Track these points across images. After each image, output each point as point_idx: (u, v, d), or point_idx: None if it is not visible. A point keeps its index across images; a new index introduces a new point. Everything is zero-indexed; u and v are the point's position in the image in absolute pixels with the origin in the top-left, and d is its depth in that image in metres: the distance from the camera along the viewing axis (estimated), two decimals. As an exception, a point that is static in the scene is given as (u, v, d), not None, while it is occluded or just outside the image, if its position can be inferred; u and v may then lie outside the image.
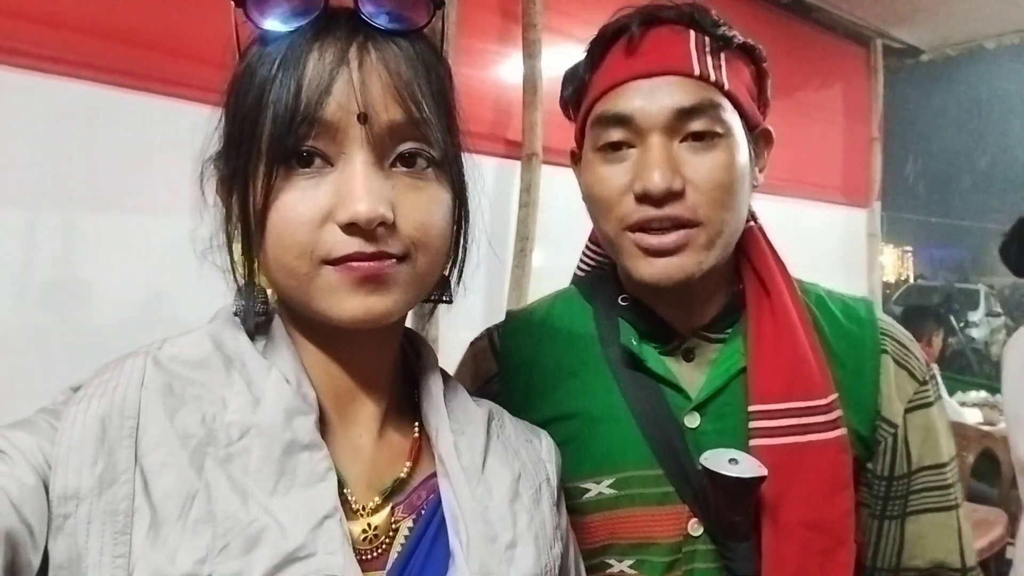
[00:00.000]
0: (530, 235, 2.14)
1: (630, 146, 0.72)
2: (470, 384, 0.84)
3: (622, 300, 0.80)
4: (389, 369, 0.59)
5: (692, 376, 0.77)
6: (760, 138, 0.78)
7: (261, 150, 0.49)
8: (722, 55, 0.72)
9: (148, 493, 0.46)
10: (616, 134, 0.72)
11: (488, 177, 2.21)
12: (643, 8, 0.75)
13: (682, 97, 0.70)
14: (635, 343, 0.76)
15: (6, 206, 1.44)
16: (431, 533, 0.55)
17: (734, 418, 0.74)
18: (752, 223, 0.80)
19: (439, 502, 0.56)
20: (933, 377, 0.79)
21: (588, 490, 0.75)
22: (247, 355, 0.53)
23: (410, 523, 0.56)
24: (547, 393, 0.79)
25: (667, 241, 0.70)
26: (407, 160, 0.51)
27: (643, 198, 0.70)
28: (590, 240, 0.89)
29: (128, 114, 1.50)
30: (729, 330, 0.78)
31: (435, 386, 0.60)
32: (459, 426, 0.59)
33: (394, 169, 0.51)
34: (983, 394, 3.78)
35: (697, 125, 0.70)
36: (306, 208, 0.49)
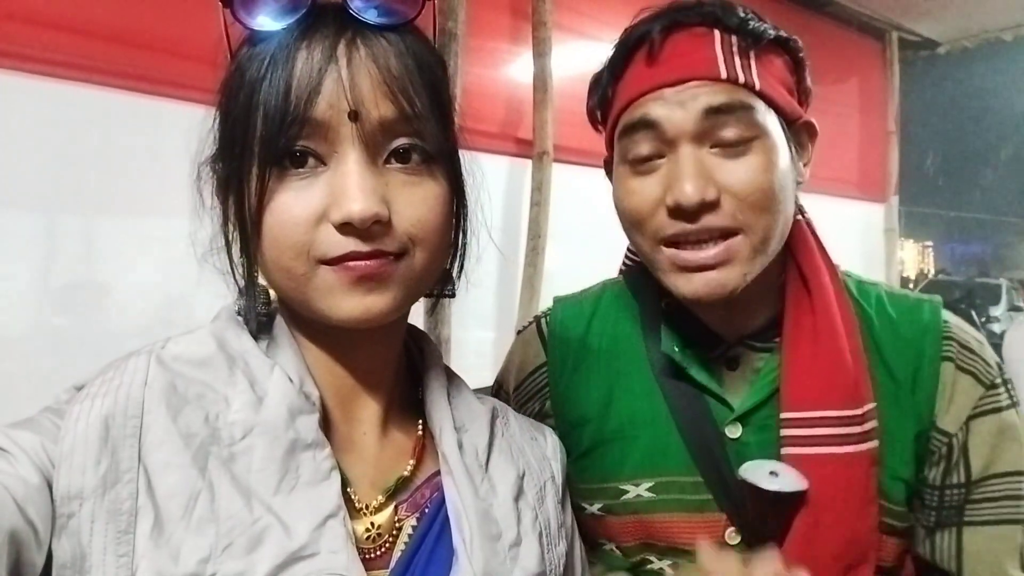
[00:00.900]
0: (542, 233, 2.14)
1: (660, 157, 0.68)
2: (517, 372, 0.83)
3: (665, 305, 0.77)
4: (392, 367, 0.59)
5: (735, 385, 0.74)
6: (803, 130, 0.73)
7: (254, 151, 0.49)
8: (752, 53, 0.68)
9: (152, 492, 0.46)
10: (645, 146, 0.68)
11: (499, 176, 2.23)
12: (663, 11, 0.71)
13: (710, 97, 0.66)
14: (676, 351, 0.74)
15: (26, 210, 1.46)
16: (435, 531, 0.55)
17: (775, 430, 0.71)
18: (800, 217, 0.76)
19: (443, 500, 0.56)
20: (1008, 382, 0.72)
21: (626, 491, 0.74)
22: (250, 354, 0.53)
23: (414, 522, 0.55)
24: (591, 390, 0.78)
25: (706, 256, 0.66)
26: (401, 156, 0.50)
27: (676, 212, 0.66)
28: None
29: (145, 119, 1.52)
30: (776, 340, 0.74)
31: (438, 384, 0.60)
32: (463, 424, 0.59)
33: (388, 165, 0.50)
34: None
35: (729, 131, 0.66)
36: (300, 209, 0.49)
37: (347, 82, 0.48)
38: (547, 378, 0.81)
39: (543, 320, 0.85)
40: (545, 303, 0.90)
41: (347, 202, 0.48)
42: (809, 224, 0.77)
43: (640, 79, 0.70)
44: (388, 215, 0.49)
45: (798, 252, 0.75)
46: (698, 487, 0.72)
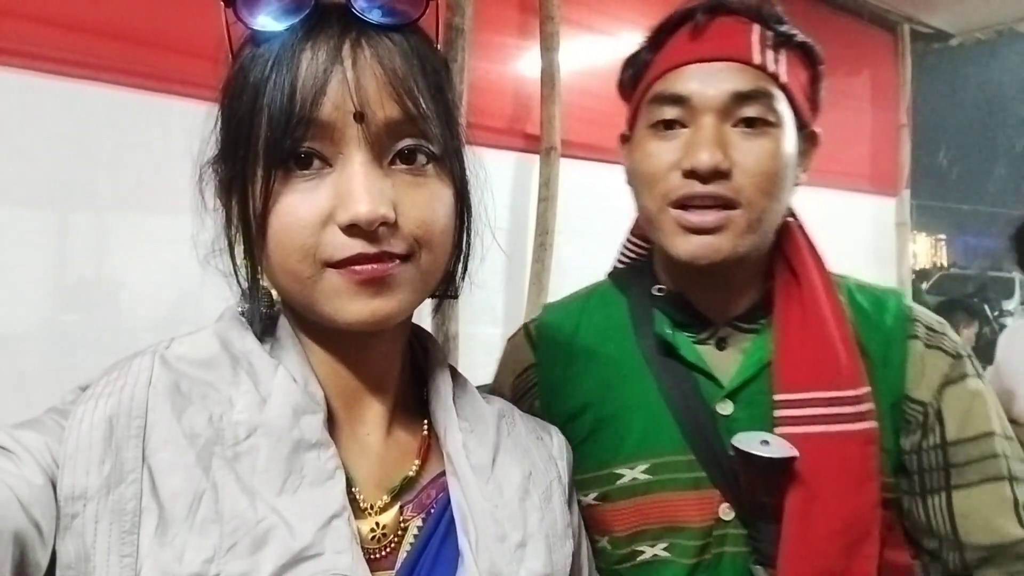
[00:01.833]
0: (549, 229, 2.13)
1: (683, 125, 0.74)
2: (509, 376, 0.86)
3: (657, 290, 0.82)
4: (397, 367, 0.59)
5: (725, 364, 0.78)
6: (808, 138, 0.79)
7: (258, 153, 0.49)
8: (782, 51, 0.74)
9: (156, 493, 0.46)
10: (671, 112, 0.74)
11: (506, 171, 2.22)
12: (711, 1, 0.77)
13: (740, 82, 0.72)
14: (669, 331, 0.78)
15: (37, 208, 1.48)
16: (440, 532, 0.55)
17: (765, 406, 0.74)
18: (791, 219, 0.81)
19: (448, 501, 0.56)
20: (970, 357, 0.77)
21: (622, 475, 0.76)
22: (254, 354, 0.53)
23: (419, 522, 0.55)
24: (582, 381, 0.81)
25: (707, 220, 0.71)
26: (406, 157, 0.50)
27: (690, 174, 0.71)
28: (631, 233, 0.90)
29: (157, 117, 1.52)
30: (763, 321, 0.79)
31: (444, 384, 0.60)
32: (468, 424, 0.59)
33: (393, 167, 0.50)
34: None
35: (750, 111, 0.72)
36: (306, 211, 0.48)
37: (352, 83, 0.48)
38: (536, 378, 0.84)
39: (531, 325, 0.88)
40: (553, 299, 0.93)
41: (353, 204, 0.47)
42: (801, 226, 0.82)
43: (679, 51, 0.75)
44: (395, 217, 0.48)
45: (787, 248, 0.79)
46: (692, 465, 0.74)
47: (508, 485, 0.57)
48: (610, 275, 0.90)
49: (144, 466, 0.47)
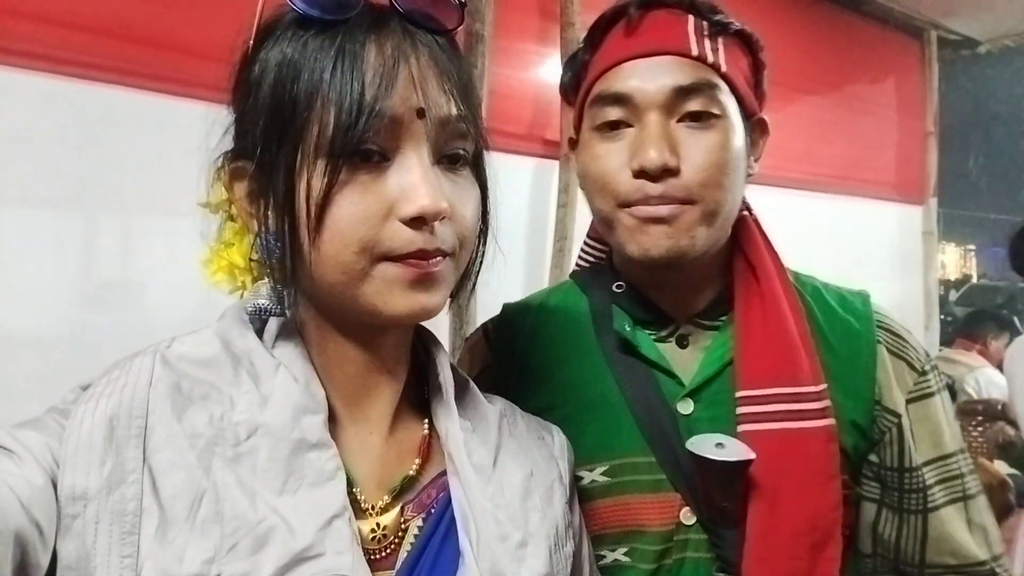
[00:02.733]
0: (568, 234, 2.13)
1: (628, 125, 0.73)
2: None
3: (616, 287, 0.80)
4: (401, 367, 0.59)
5: (686, 363, 0.76)
6: (756, 127, 0.78)
7: (319, 144, 0.48)
8: (720, 40, 0.73)
9: (156, 493, 0.46)
10: (614, 113, 0.73)
11: (527, 177, 2.22)
12: None
13: (680, 76, 0.71)
14: (628, 329, 0.77)
15: (63, 209, 1.50)
16: (441, 532, 0.55)
17: (728, 405, 0.73)
18: (747, 213, 0.81)
19: (449, 501, 0.56)
20: (935, 368, 0.78)
21: (581, 478, 0.74)
22: (255, 354, 0.53)
23: (420, 522, 0.55)
24: (541, 381, 0.79)
25: (661, 211, 0.70)
26: (450, 157, 0.52)
27: (640, 174, 0.70)
28: (588, 235, 0.89)
29: (183, 119, 1.54)
30: (723, 318, 0.78)
31: (446, 383, 0.59)
32: (470, 424, 0.59)
33: (439, 166, 0.51)
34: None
35: (694, 104, 0.71)
36: (368, 203, 0.48)
37: (418, 79, 0.49)
38: (493, 378, 0.82)
39: (490, 324, 0.87)
40: (504, 303, 0.91)
41: (419, 197, 0.48)
42: (756, 220, 0.81)
43: (616, 49, 0.74)
44: (450, 212, 0.50)
45: (744, 242, 0.79)
46: (652, 467, 0.73)
47: (509, 485, 0.57)
48: (572, 275, 0.90)
49: (145, 466, 0.47)
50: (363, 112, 0.47)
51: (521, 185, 2.19)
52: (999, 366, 3.08)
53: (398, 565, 0.53)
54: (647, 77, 0.71)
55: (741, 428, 0.71)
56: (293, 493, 0.48)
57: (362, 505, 0.53)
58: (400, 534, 0.54)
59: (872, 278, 0.72)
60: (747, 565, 0.68)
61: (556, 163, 2.18)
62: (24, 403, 1.31)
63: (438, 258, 0.50)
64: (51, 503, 0.45)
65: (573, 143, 0.81)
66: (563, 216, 2.14)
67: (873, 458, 0.76)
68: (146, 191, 1.56)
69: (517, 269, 2.12)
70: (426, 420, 0.59)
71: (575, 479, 0.67)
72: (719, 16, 0.74)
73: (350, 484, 0.52)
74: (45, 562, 0.45)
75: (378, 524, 0.53)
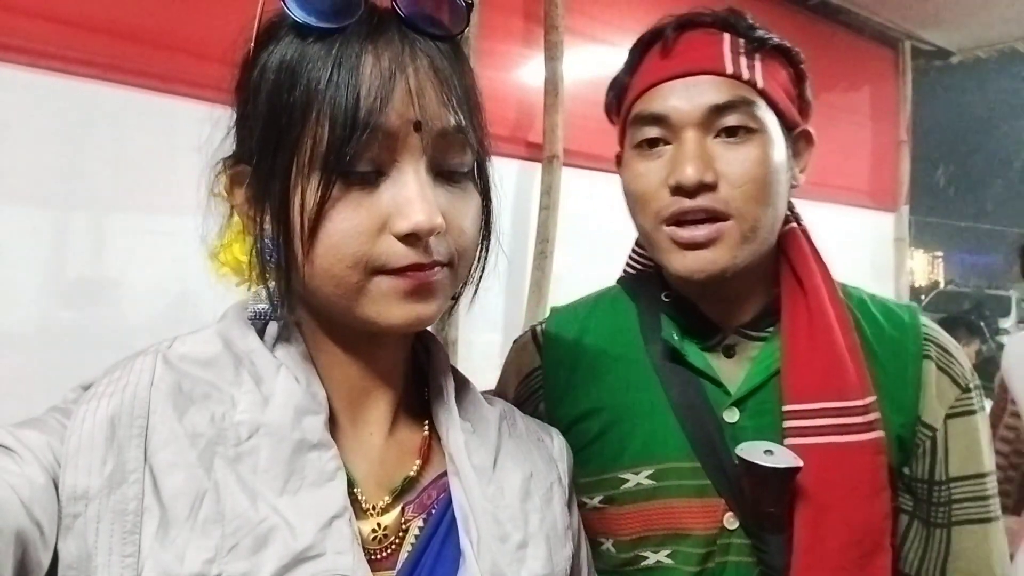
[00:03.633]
0: (550, 237, 2.13)
1: (666, 143, 0.74)
2: (514, 378, 0.86)
3: (665, 296, 0.82)
4: (401, 368, 0.59)
5: (732, 372, 0.77)
6: (800, 138, 0.79)
7: (313, 155, 0.47)
8: (757, 56, 0.74)
9: (157, 493, 0.46)
10: (652, 131, 0.75)
11: (509, 179, 2.22)
12: (680, 15, 0.77)
13: (715, 95, 0.72)
14: (676, 337, 0.78)
15: (36, 206, 1.47)
16: (441, 533, 0.55)
17: (773, 415, 0.74)
18: (795, 224, 0.81)
19: (450, 501, 0.56)
20: (978, 388, 0.78)
21: (626, 480, 0.76)
22: (256, 354, 0.53)
23: (420, 523, 0.55)
24: (588, 385, 0.81)
25: (699, 234, 0.72)
26: (450, 169, 0.51)
27: (677, 190, 0.72)
28: (636, 243, 0.90)
29: (156, 116, 1.53)
30: (770, 329, 0.79)
31: (446, 385, 0.60)
32: (470, 425, 0.59)
33: (436, 178, 0.50)
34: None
35: (730, 120, 0.72)
36: (362, 219, 0.48)
37: (415, 92, 0.48)
38: (541, 380, 0.83)
39: (538, 327, 0.88)
40: (552, 306, 0.92)
41: (413, 213, 0.47)
42: (805, 231, 0.82)
43: (653, 71, 0.76)
44: (445, 227, 0.49)
45: (792, 254, 0.79)
46: (697, 472, 0.74)
47: (509, 486, 0.57)
48: (619, 281, 0.90)
49: (146, 466, 0.47)
50: (357, 128, 0.46)
51: (503, 187, 2.19)
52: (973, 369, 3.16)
53: (399, 565, 0.53)
54: (683, 97, 0.73)
55: (788, 441, 0.72)
56: (294, 493, 0.48)
57: (363, 505, 0.54)
58: (401, 534, 0.54)
59: (844, 283, 0.75)
60: (795, 573, 0.69)
61: (539, 165, 2.19)
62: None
63: (436, 268, 0.50)
64: (52, 502, 0.45)
65: (619, 159, 0.83)
66: (545, 219, 2.14)
67: (906, 470, 0.77)
68: (123, 187, 1.54)
69: (498, 271, 2.13)
70: (426, 421, 0.59)
71: (579, 482, 0.68)
72: (757, 32, 0.75)
73: (351, 484, 0.52)
74: (46, 561, 0.44)
75: (379, 524, 0.53)
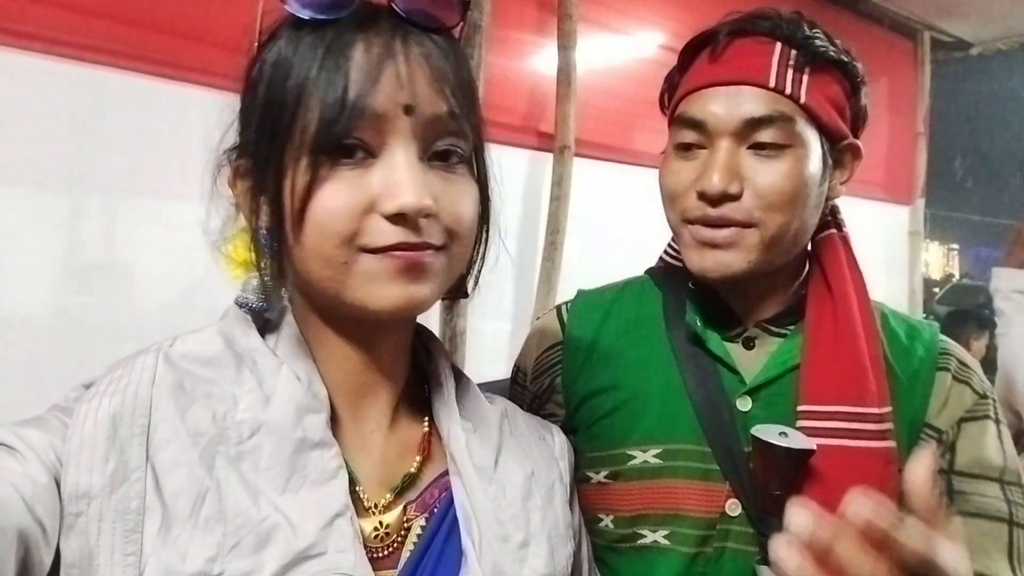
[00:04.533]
0: (560, 228, 2.13)
1: (701, 147, 0.76)
2: (535, 350, 0.87)
3: (692, 284, 0.83)
4: (401, 365, 0.59)
5: (750, 363, 0.79)
6: (846, 151, 0.79)
7: (303, 140, 0.49)
8: (807, 68, 0.74)
9: (159, 491, 0.47)
10: (690, 136, 0.76)
11: (520, 169, 2.22)
12: (738, 17, 0.77)
13: (754, 107, 0.73)
14: (699, 324, 0.79)
15: (50, 191, 1.48)
16: (443, 532, 0.55)
17: (785, 407, 0.75)
18: (834, 231, 0.82)
19: (451, 501, 0.56)
20: (996, 401, 0.78)
21: (633, 457, 0.77)
22: (258, 352, 0.53)
23: (422, 521, 0.55)
24: (607, 363, 0.82)
25: (719, 236, 0.73)
26: (442, 155, 0.51)
27: (702, 196, 0.73)
28: (671, 239, 0.91)
29: (171, 103, 1.53)
30: (791, 327, 0.80)
31: (447, 383, 0.60)
32: (471, 424, 0.59)
33: (430, 163, 0.51)
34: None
35: (766, 135, 0.73)
36: (350, 197, 0.48)
37: (405, 77, 0.48)
38: (561, 355, 0.85)
39: (564, 306, 0.90)
40: (562, 298, 0.95)
41: (401, 194, 0.48)
42: (845, 239, 0.82)
43: (699, 75, 0.77)
44: (436, 209, 0.49)
45: (826, 261, 0.80)
46: (705, 456, 0.75)
47: (511, 485, 0.57)
48: (648, 271, 0.92)
49: (148, 464, 0.47)
50: (345, 108, 0.47)
51: (514, 177, 2.18)
52: (982, 363, 3.12)
53: (401, 565, 0.53)
54: (723, 105, 0.73)
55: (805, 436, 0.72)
56: (295, 492, 0.49)
57: (364, 504, 0.54)
58: (403, 533, 0.54)
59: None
60: None
61: (550, 156, 2.18)
62: (10, 385, 1.30)
63: (427, 250, 0.50)
64: (54, 501, 0.45)
65: (664, 153, 0.84)
66: (556, 209, 2.14)
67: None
68: (135, 174, 1.54)
69: (508, 261, 2.13)
70: (426, 418, 0.60)
71: (575, 453, 0.68)
72: (814, 43, 0.74)
73: (352, 483, 0.52)
74: (48, 560, 0.45)
75: (381, 523, 0.53)
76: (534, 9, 2.21)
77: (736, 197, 0.72)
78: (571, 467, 0.66)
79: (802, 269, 0.81)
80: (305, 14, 0.49)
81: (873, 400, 0.73)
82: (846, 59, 0.77)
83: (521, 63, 2.21)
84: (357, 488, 0.53)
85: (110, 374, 0.51)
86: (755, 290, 0.80)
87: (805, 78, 0.74)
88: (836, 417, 0.72)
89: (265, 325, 0.56)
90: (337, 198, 0.48)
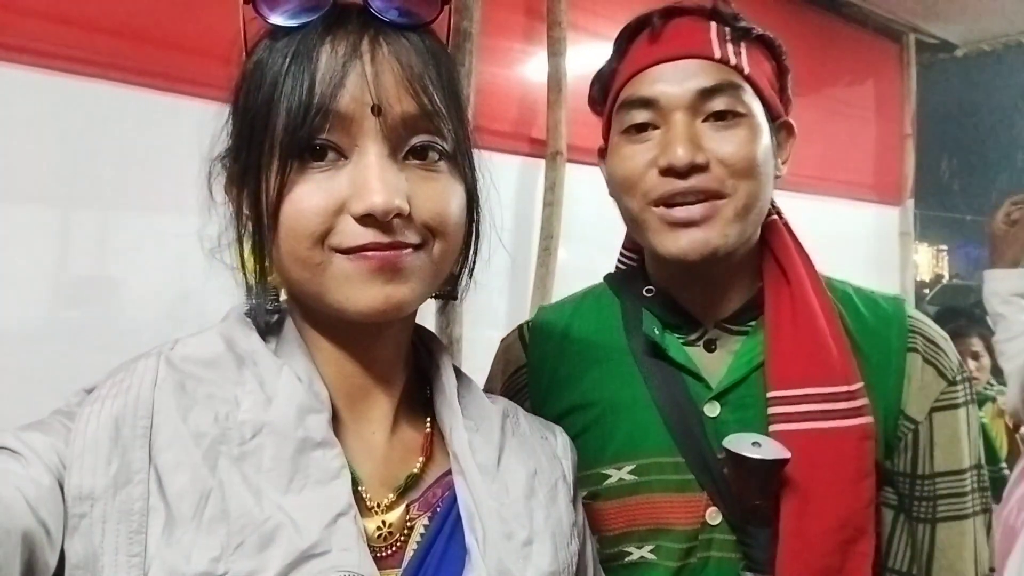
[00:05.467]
0: (554, 234, 2.13)
1: (655, 127, 0.74)
2: (500, 376, 0.86)
3: (647, 291, 0.82)
4: (401, 366, 0.59)
5: (714, 366, 0.77)
6: (782, 129, 0.79)
7: (274, 145, 0.49)
8: (742, 44, 0.75)
9: (163, 492, 0.47)
10: (641, 116, 0.74)
11: (512, 176, 2.22)
12: (666, 5, 0.78)
13: (704, 78, 0.72)
14: (657, 332, 0.78)
15: (39, 204, 1.48)
16: (447, 531, 0.55)
17: (755, 408, 0.74)
18: (776, 216, 0.82)
19: (455, 500, 0.56)
20: (967, 380, 0.77)
21: (609, 476, 0.76)
22: (259, 354, 0.53)
23: (426, 521, 0.55)
24: (571, 382, 0.81)
25: (694, 212, 0.71)
26: (420, 152, 0.51)
27: (667, 171, 0.71)
28: (623, 245, 0.90)
29: (160, 115, 1.53)
30: (752, 323, 0.78)
31: (448, 383, 0.60)
32: (473, 423, 0.59)
33: (407, 162, 0.51)
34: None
35: (719, 104, 0.72)
36: (320, 199, 0.49)
37: (371, 77, 0.49)
38: (527, 378, 0.84)
39: (525, 326, 0.89)
40: (541, 304, 0.92)
41: (369, 195, 0.48)
42: (786, 224, 0.82)
43: (641, 56, 0.76)
44: (408, 209, 0.49)
45: (775, 246, 0.79)
46: (679, 467, 0.74)
47: (514, 484, 0.57)
48: (605, 278, 0.91)
49: (151, 466, 0.47)
50: (310, 111, 0.48)
51: (507, 184, 2.19)
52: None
53: (405, 563, 0.53)
54: (672, 80, 0.73)
55: (773, 428, 0.72)
56: (298, 491, 0.49)
57: (367, 504, 0.54)
58: (405, 532, 0.54)
59: (849, 278, 0.74)
60: (780, 561, 0.69)
61: (542, 162, 2.19)
62: (1, 397, 1.29)
63: (408, 249, 0.50)
64: (58, 503, 0.45)
65: (603, 153, 0.82)
66: (549, 215, 2.14)
67: (888, 464, 0.76)
68: (125, 186, 1.54)
69: (502, 268, 2.13)
70: (428, 419, 0.60)
71: (584, 470, 0.68)
72: (742, 23, 0.76)
73: (355, 483, 0.52)
74: (53, 562, 0.45)
75: (384, 522, 0.54)
76: (523, 17, 2.22)
77: (704, 167, 0.71)
78: (574, 466, 0.66)
79: (756, 260, 0.80)
80: (277, 21, 0.50)
81: (840, 378, 0.72)
82: (773, 37, 0.79)
83: (511, 70, 2.22)
84: (359, 488, 0.53)
85: (111, 378, 0.51)
86: (713, 285, 0.78)
87: (743, 52, 0.75)
88: (806, 400, 0.72)
89: (266, 328, 0.57)
90: (306, 199, 0.49)
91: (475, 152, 0.57)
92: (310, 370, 0.54)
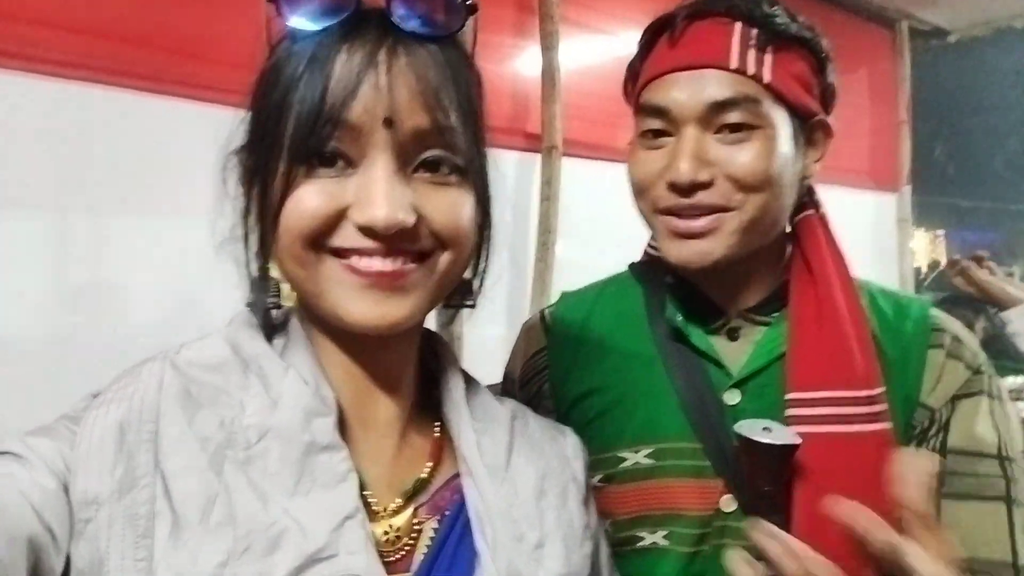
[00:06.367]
0: (552, 228, 2.13)
1: (668, 135, 0.74)
2: (521, 357, 0.86)
3: (670, 279, 0.81)
4: (408, 369, 0.59)
5: (735, 355, 0.77)
6: (817, 128, 0.77)
7: (283, 147, 0.49)
8: (769, 47, 0.72)
9: (169, 497, 0.47)
10: (655, 123, 0.74)
11: (508, 171, 2.22)
12: (694, 1, 0.75)
13: (717, 90, 0.71)
14: (680, 319, 0.78)
15: (38, 210, 1.47)
16: (456, 534, 0.55)
17: (774, 398, 0.73)
18: (812, 212, 0.80)
19: (463, 503, 0.56)
20: (993, 376, 0.76)
21: (625, 459, 0.76)
22: (264, 357, 0.53)
23: (435, 524, 0.55)
24: (591, 365, 0.81)
25: (696, 225, 0.72)
26: (430, 166, 0.50)
27: (672, 187, 0.72)
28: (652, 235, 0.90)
29: (157, 118, 1.52)
30: (776, 314, 0.78)
31: (456, 385, 0.60)
32: (481, 425, 0.58)
33: (416, 174, 0.50)
34: (1021, 379, 3.66)
35: (733, 117, 0.71)
36: (321, 201, 0.49)
37: (385, 88, 0.48)
38: (546, 360, 0.84)
39: (547, 311, 0.89)
40: (555, 298, 0.93)
41: (372, 208, 0.47)
42: (823, 219, 0.80)
43: (659, 61, 0.75)
44: (414, 222, 0.49)
45: (805, 242, 0.78)
46: (696, 453, 0.74)
47: (523, 485, 0.57)
48: (630, 266, 0.90)
49: (157, 470, 0.47)
50: (321, 119, 0.47)
51: (503, 180, 2.18)
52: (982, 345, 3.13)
53: (414, 567, 0.53)
54: (686, 90, 0.72)
55: (790, 430, 0.71)
56: (305, 495, 0.48)
57: (374, 507, 0.53)
58: (413, 536, 0.54)
59: (850, 267, 0.74)
60: None
61: (538, 156, 2.18)
62: (0, 405, 1.29)
63: (410, 265, 0.50)
64: (63, 508, 0.45)
65: (632, 144, 0.82)
66: (546, 209, 2.14)
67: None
68: (123, 192, 1.53)
69: (500, 263, 2.12)
70: (437, 422, 0.59)
71: (601, 453, 0.69)
72: (775, 20, 0.73)
73: (361, 487, 0.52)
74: (59, 567, 0.45)
75: (391, 526, 0.53)
76: (514, 11, 2.21)
77: (707, 184, 0.70)
78: (585, 468, 0.65)
79: (782, 253, 0.79)
80: (296, 23, 0.49)
81: (861, 382, 0.71)
82: (809, 35, 0.75)
83: (504, 65, 2.21)
84: (366, 492, 0.53)
85: (117, 382, 0.51)
86: (736, 278, 0.78)
87: (768, 57, 0.72)
88: (824, 403, 0.71)
89: (273, 327, 0.57)
90: (307, 200, 0.49)
91: (491, 164, 0.56)
92: (316, 372, 0.54)
